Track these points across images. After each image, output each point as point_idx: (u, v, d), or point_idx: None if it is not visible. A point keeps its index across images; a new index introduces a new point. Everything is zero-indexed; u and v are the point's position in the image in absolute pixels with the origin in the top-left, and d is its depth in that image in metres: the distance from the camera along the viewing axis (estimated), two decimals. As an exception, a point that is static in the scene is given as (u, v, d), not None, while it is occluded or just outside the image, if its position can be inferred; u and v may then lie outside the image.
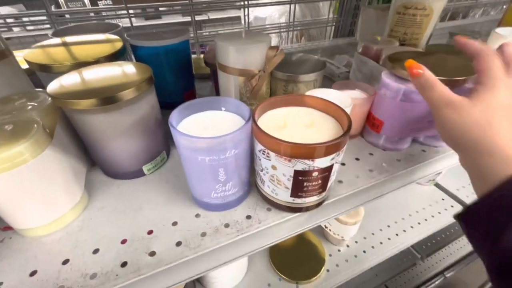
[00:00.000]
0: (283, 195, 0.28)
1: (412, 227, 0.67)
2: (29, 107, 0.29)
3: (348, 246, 0.63)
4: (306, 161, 0.23)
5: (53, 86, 0.29)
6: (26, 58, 0.36)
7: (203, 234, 0.28)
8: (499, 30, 0.48)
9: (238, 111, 0.30)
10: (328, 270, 0.58)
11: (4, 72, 0.36)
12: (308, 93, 0.38)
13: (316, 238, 0.64)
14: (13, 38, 1.48)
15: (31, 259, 0.26)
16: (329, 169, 0.25)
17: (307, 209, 0.30)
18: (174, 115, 0.27)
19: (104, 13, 0.66)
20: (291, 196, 0.28)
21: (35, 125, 0.25)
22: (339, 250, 0.62)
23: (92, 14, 0.73)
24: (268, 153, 0.25)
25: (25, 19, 0.63)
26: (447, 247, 1.03)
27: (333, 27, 0.96)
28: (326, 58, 0.71)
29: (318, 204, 0.30)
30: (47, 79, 0.37)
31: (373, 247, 0.63)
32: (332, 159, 0.24)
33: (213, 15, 2.00)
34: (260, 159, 0.27)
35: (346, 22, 0.93)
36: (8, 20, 0.63)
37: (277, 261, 0.58)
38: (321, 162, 0.24)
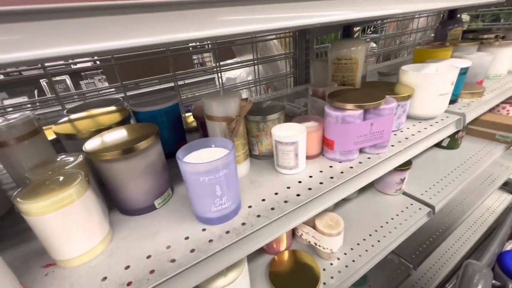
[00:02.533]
0: None
1: (390, 232, 0.75)
2: (68, 163, 0.39)
3: (338, 259, 0.70)
4: None
5: (87, 145, 0.39)
6: (54, 131, 0.46)
7: (210, 241, 0.37)
8: (404, 67, 0.66)
9: (224, 145, 0.41)
10: (324, 283, 0.64)
11: (36, 144, 0.46)
12: (274, 128, 0.50)
13: (310, 257, 0.71)
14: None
15: (75, 282, 0.33)
16: None
17: None
18: (180, 152, 0.37)
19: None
20: None
21: (79, 175, 0.35)
22: (331, 264, 0.69)
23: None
24: None
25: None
26: (435, 252, 1.10)
27: (292, 78, 1.16)
28: (289, 102, 0.87)
29: None
30: (71, 146, 0.47)
31: (360, 255, 0.70)
32: None
33: (189, 80, 2.26)
34: None
35: (301, 73, 1.14)
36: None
37: (278, 284, 0.63)
38: None
